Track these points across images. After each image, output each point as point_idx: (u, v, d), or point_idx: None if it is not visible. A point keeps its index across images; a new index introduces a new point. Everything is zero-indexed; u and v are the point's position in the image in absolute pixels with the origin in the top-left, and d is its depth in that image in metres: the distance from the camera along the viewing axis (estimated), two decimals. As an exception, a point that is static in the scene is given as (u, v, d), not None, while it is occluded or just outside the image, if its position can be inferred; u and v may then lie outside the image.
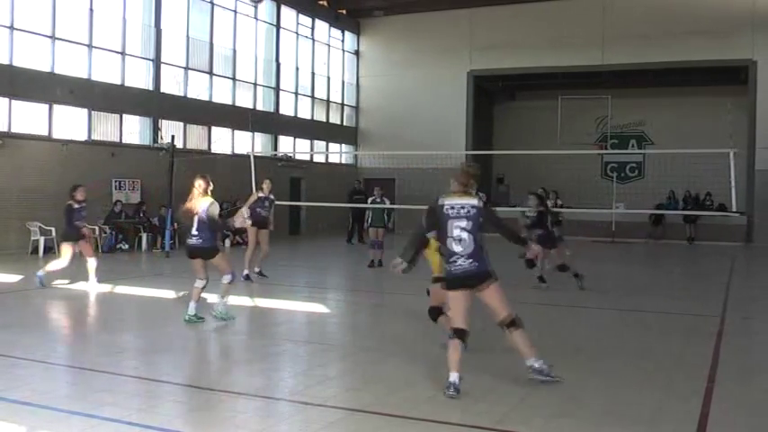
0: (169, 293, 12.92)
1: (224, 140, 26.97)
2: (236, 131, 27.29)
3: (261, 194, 15.12)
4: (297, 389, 7.35)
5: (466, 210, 7.02)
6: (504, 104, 37.48)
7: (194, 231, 10.16)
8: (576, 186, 31.16)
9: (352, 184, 28.55)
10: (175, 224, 18.14)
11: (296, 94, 31.00)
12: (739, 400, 7.06)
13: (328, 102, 33.26)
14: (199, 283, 10.29)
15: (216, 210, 10.25)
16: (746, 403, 6.96)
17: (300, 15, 30.98)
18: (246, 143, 27.66)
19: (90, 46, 21.41)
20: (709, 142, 27.58)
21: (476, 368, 8.21)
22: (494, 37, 31.72)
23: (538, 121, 34.46)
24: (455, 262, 6.99)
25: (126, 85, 22.68)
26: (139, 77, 23.37)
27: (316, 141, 32.41)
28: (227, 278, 10.42)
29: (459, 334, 6.97)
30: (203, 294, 10.51)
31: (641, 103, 34.25)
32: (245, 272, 14.64)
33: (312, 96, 32.12)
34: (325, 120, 32.93)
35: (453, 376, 6.81)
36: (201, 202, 10.18)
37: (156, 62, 23.69)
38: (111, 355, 8.50)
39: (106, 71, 22.02)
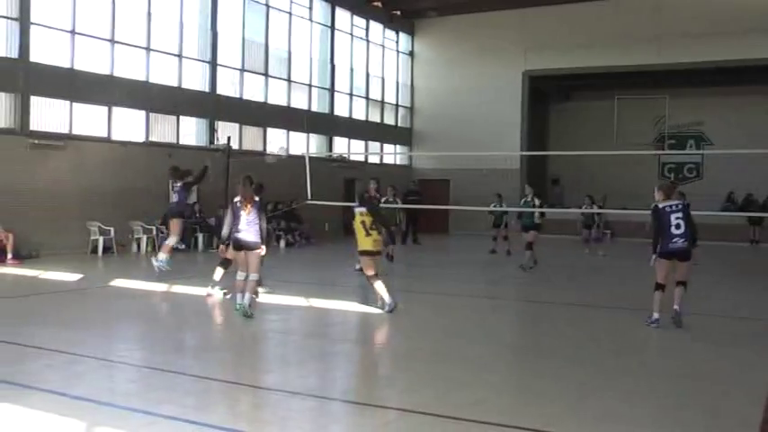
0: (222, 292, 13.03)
1: (279, 141, 27.13)
2: (291, 132, 27.46)
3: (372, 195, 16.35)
4: (350, 389, 7.37)
5: (678, 206, 10.40)
6: (560, 104, 37.18)
7: (244, 225, 10.82)
8: (633, 187, 30.75)
9: (407, 185, 28.55)
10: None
11: (350, 95, 31.10)
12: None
13: (383, 102, 33.29)
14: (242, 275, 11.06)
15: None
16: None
17: (355, 17, 31.07)
18: (301, 144, 27.81)
19: (148, 49, 21.74)
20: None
21: (529, 371, 8.17)
22: (548, 37, 31.42)
23: (594, 122, 34.16)
24: (675, 242, 10.27)
25: (183, 87, 22.98)
26: (196, 79, 23.64)
27: (370, 142, 32.46)
28: (255, 276, 10.99)
29: (660, 287, 10.45)
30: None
31: (700, 103, 33.71)
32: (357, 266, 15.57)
33: (366, 97, 32.19)
34: (379, 121, 32.97)
35: (655, 315, 10.37)
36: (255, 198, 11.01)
37: (213, 64, 23.96)
38: (168, 353, 8.62)
39: (163, 73, 22.34)
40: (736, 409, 6.73)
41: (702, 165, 34.29)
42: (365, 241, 11.41)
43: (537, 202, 18.36)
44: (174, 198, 15.22)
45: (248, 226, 10.80)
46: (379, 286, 11.41)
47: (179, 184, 15.03)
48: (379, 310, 11.37)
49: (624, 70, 31.28)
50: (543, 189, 35.48)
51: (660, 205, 10.48)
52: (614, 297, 14.15)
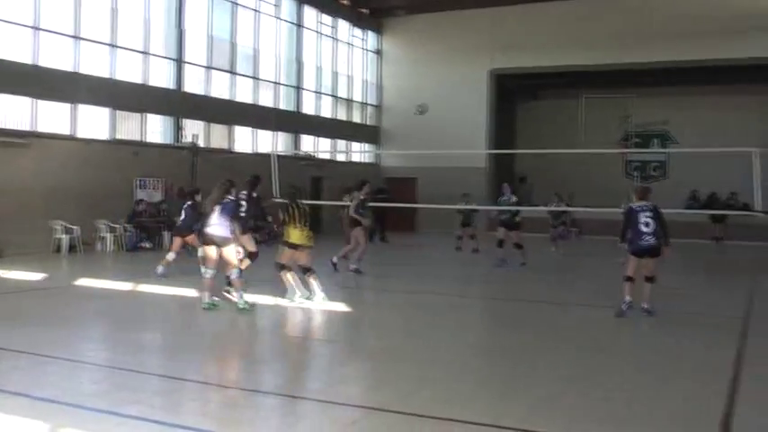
0: (191, 291, 12.97)
1: (246, 139, 27.02)
2: (258, 131, 27.36)
3: (362, 197, 16.72)
4: (317, 387, 7.37)
5: (648, 206, 11.27)
6: (527, 103, 37.38)
7: (214, 221, 11.19)
8: (599, 185, 31.05)
9: (375, 184, 28.55)
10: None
11: (318, 93, 31.05)
12: (763, 400, 7.00)
13: (350, 101, 33.28)
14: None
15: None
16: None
17: (322, 15, 31.03)
18: (268, 142, 27.72)
19: (113, 45, 21.54)
20: (737, 141, 27.34)
21: (497, 368, 8.22)
22: (515, 36, 31.56)
23: (560, 120, 34.39)
24: (645, 240, 11.08)
25: (149, 84, 22.79)
26: (162, 77, 23.46)
27: (337, 140, 32.44)
28: (234, 272, 11.37)
29: (629, 279, 11.22)
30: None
31: (665, 102, 34.06)
32: (353, 266, 16.28)
33: (334, 96, 32.15)
34: (346, 119, 32.95)
35: (627, 298, 11.12)
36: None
37: (179, 62, 23.79)
38: (135, 353, 8.55)
39: (129, 71, 22.14)
40: (713, 405, 6.82)
41: (667, 163, 34.65)
42: (294, 233, 11.92)
43: (513, 199, 18.62)
44: (182, 215, 15.55)
45: (218, 220, 11.13)
46: (291, 277, 12.00)
47: (189, 203, 15.49)
48: (347, 309, 11.40)
49: (591, 69, 31.52)
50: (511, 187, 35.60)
51: (633, 205, 11.47)
52: (582, 295, 14.26)
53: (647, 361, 8.76)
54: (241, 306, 11.11)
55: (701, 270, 20.06)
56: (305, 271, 12.07)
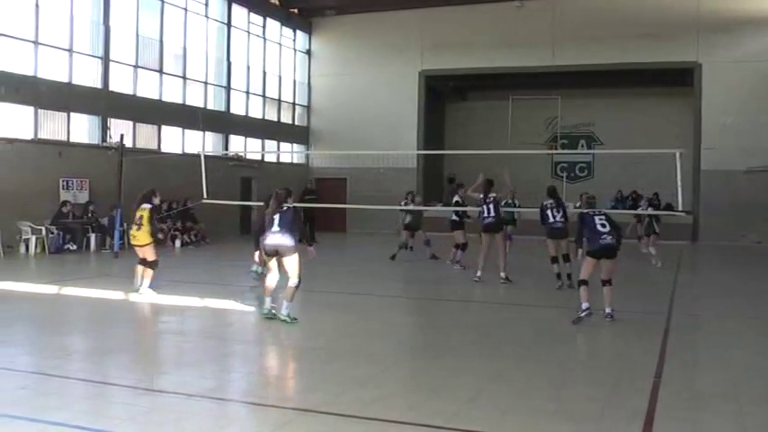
0: (118, 294, 12.77)
1: (174, 140, 26.65)
2: (186, 131, 27.02)
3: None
4: (248, 390, 7.32)
5: (599, 212, 11.53)
6: (456, 104, 37.63)
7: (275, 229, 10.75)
8: (527, 186, 31.44)
9: (304, 184, 28.47)
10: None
11: (247, 93, 30.80)
12: (684, 395, 7.18)
13: (279, 101, 33.10)
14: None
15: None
16: (691, 398, 7.09)
17: (251, 14, 30.79)
18: (197, 142, 27.40)
19: (36, 42, 21.04)
20: (657, 143, 28.06)
21: (426, 368, 8.27)
22: (445, 37, 31.83)
23: (489, 121, 34.70)
24: (604, 239, 11.04)
25: (73, 83, 22.31)
26: (87, 75, 22.99)
27: (267, 141, 32.25)
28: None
29: (584, 282, 11.03)
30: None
31: (591, 104, 34.66)
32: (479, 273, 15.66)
33: (263, 96, 31.95)
34: (276, 119, 32.79)
35: (585, 305, 10.86)
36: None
37: (105, 60, 23.35)
38: (59, 357, 8.37)
39: (53, 68, 21.65)
40: (625, 401, 6.97)
41: (593, 164, 35.28)
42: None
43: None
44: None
45: (279, 228, 10.71)
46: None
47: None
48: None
49: (519, 71, 31.92)
50: (440, 187, 35.87)
51: (584, 211, 11.71)
52: (523, 295, 14.40)
53: (573, 357, 8.91)
54: (282, 318, 10.59)
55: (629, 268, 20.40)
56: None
